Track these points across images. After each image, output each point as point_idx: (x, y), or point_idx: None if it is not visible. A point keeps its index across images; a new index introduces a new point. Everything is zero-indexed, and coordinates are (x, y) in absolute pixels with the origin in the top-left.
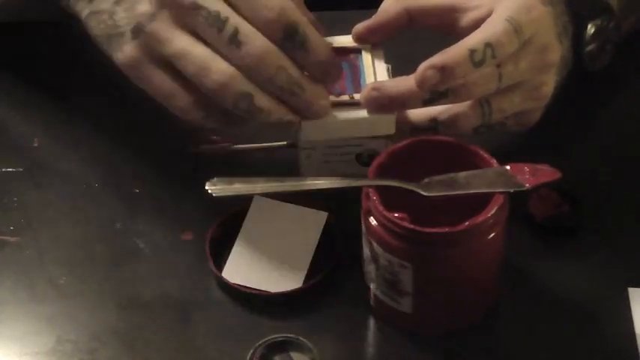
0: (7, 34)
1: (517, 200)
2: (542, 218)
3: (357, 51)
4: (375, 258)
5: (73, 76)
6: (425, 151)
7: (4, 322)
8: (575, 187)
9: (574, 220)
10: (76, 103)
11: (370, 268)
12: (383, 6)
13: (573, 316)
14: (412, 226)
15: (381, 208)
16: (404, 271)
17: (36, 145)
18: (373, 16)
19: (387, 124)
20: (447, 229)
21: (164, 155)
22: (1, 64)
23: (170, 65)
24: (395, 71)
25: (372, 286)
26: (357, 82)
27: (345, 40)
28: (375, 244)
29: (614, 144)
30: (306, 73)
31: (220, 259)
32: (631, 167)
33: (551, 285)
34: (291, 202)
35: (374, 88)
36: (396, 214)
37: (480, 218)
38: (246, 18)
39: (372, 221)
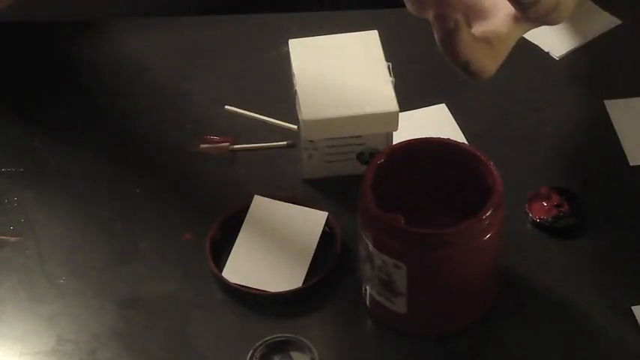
0: (7, 33)
1: (517, 200)
2: (542, 218)
3: None
4: (370, 258)
5: (74, 77)
6: (424, 152)
7: (4, 322)
8: (575, 187)
9: (574, 220)
10: (76, 103)
11: (365, 268)
12: None
13: (572, 317)
14: (405, 227)
15: (375, 207)
16: (398, 272)
17: (36, 145)
18: None
19: (389, 120)
20: (440, 230)
21: (164, 155)
22: (2, 63)
23: None
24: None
25: (367, 286)
26: None
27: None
28: (369, 244)
29: (614, 144)
30: None
31: (220, 259)
32: (631, 167)
33: (550, 285)
34: (291, 202)
35: None
36: (390, 214)
37: (475, 220)
38: None
39: (367, 221)
